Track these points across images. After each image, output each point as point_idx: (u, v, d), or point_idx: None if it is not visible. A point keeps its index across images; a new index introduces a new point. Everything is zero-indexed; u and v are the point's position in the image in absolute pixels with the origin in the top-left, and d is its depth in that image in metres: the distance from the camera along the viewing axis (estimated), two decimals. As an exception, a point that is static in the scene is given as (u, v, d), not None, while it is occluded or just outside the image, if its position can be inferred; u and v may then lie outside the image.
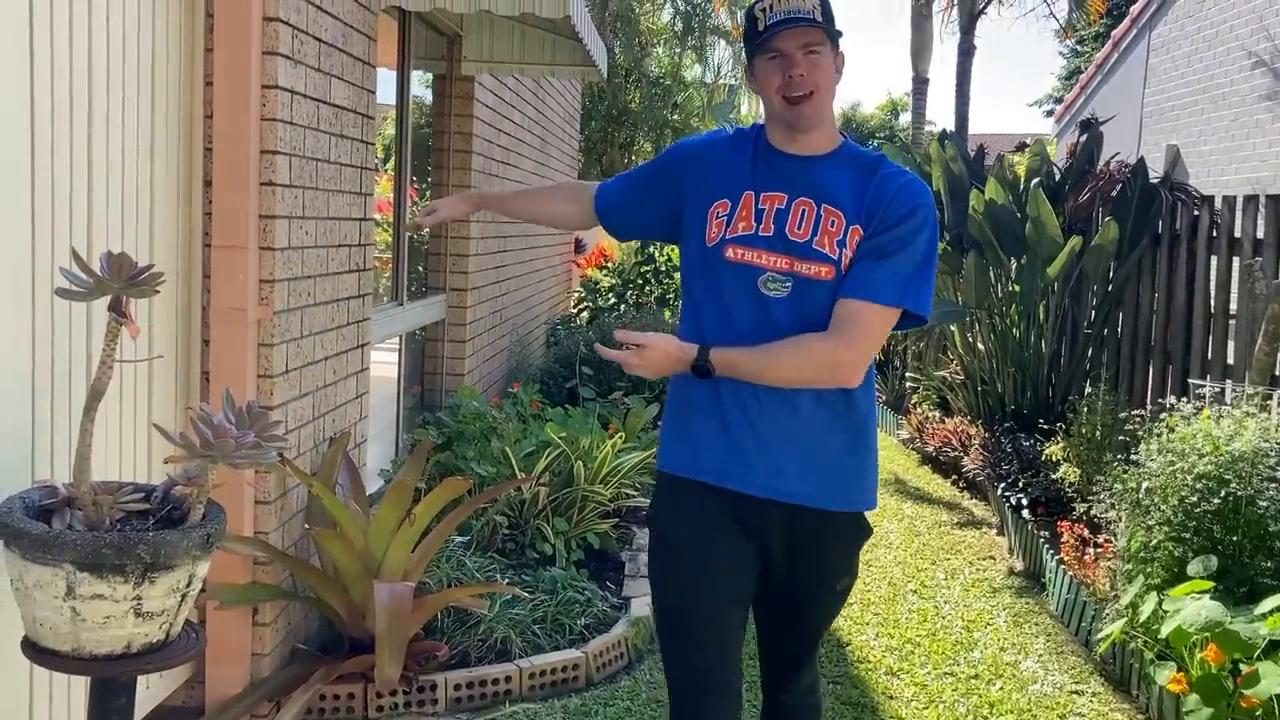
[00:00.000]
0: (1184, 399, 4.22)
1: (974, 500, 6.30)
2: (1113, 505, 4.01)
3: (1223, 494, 3.48)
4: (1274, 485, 3.45)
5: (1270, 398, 3.91)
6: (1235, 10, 9.35)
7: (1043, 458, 5.36)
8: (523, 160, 7.01)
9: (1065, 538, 4.46)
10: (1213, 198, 5.41)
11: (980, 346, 6.67)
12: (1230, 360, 4.97)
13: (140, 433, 2.79)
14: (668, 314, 8.52)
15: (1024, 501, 5.22)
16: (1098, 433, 4.98)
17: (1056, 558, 4.51)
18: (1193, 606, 3.19)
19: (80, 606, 1.84)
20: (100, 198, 2.56)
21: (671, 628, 2.27)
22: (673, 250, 10.25)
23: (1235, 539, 3.51)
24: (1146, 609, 3.48)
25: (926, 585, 4.78)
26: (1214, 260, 5.21)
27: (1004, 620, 4.38)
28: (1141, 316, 5.78)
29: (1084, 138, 6.58)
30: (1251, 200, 4.95)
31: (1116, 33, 12.26)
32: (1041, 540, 4.80)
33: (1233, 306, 4.98)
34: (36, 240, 2.31)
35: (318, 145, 3.34)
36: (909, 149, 8.90)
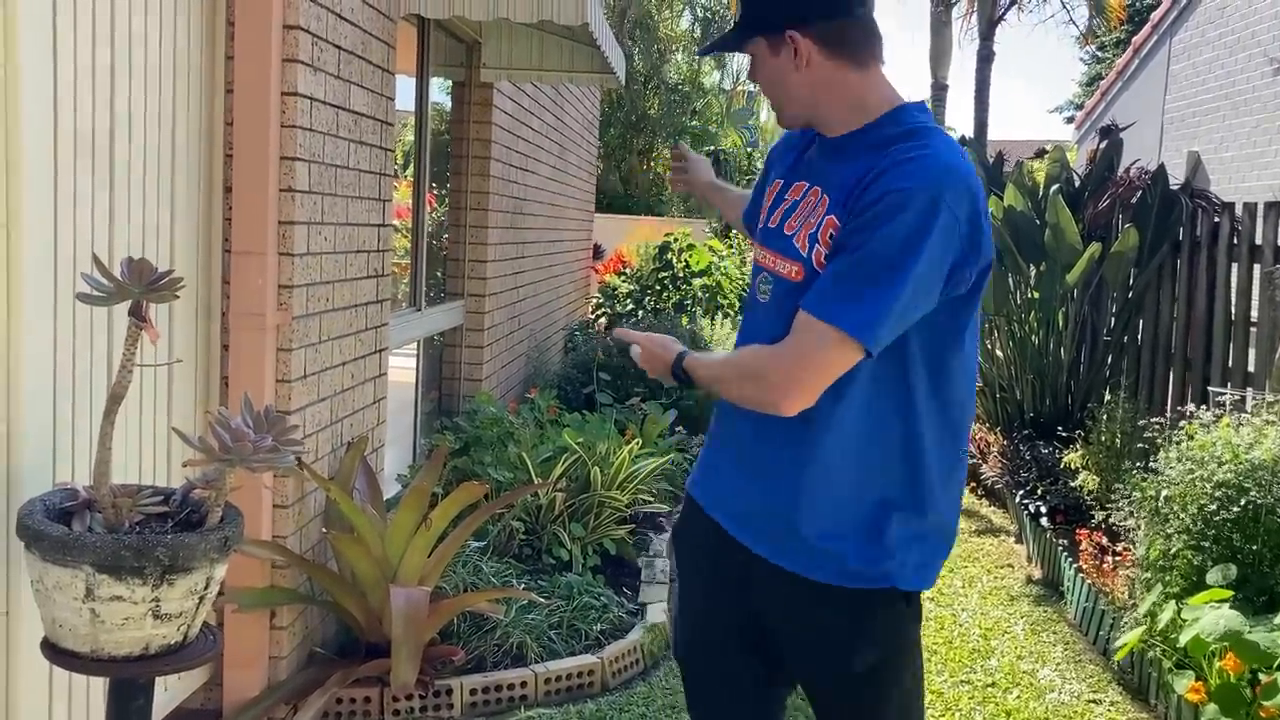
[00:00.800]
0: (1203, 406, 4.19)
1: (992, 508, 6.28)
2: (1131, 513, 3.99)
3: (1242, 502, 3.46)
4: (1294, 494, 3.43)
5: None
6: (1257, 16, 9.30)
7: (1061, 465, 5.33)
8: (540, 166, 7.03)
9: (1084, 546, 4.44)
10: (1233, 204, 5.38)
11: (999, 353, 6.64)
12: (1251, 368, 4.94)
13: (160, 436, 2.82)
14: (685, 320, 8.52)
15: (1042, 509, 5.19)
16: (1117, 440, 4.96)
17: (1075, 566, 4.48)
18: (1211, 615, 3.17)
19: (99, 608, 1.86)
20: (122, 203, 2.58)
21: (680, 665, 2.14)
22: (690, 257, 10.26)
23: (1255, 548, 3.49)
24: (1165, 617, 3.46)
25: (944, 592, 4.77)
26: (1235, 267, 5.18)
27: (1021, 628, 4.36)
28: (1162, 324, 5.74)
29: (1104, 144, 6.54)
30: (1272, 207, 4.92)
31: (1137, 39, 12.21)
32: (1060, 548, 4.77)
33: (1254, 314, 4.95)
34: (59, 245, 2.34)
35: (337, 151, 3.37)
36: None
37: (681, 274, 10.06)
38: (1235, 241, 5.20)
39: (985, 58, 14.73)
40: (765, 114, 20.96)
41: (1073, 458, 5.19)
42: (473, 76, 5.46)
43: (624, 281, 10.41)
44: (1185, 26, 10.88)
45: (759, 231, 1.98)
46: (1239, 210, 5.23)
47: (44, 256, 2.30)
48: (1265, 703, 2.92)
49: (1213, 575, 3.43)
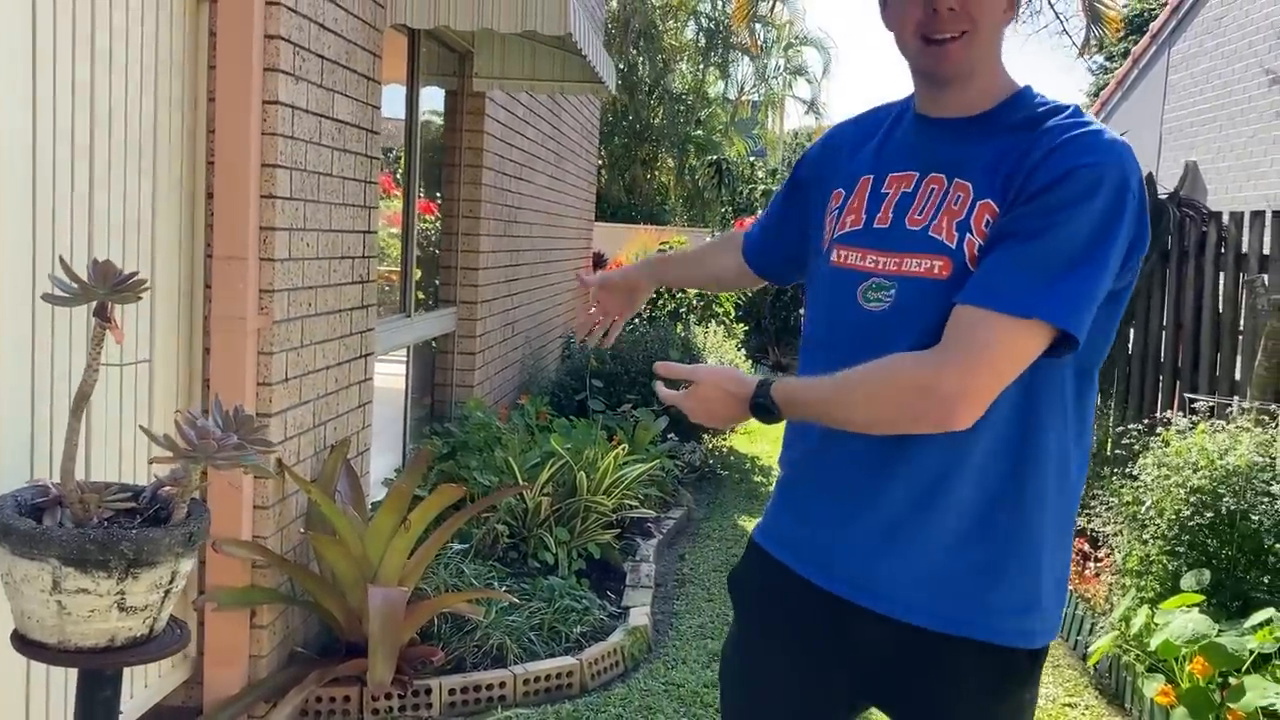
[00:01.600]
0: (1180, 413, 4.22)
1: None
2: (1112, 520, 4.01)
3: (1217, 508, 3.49)
4: (1267, 500, 3.45)
5: (1267, 413, 3.90)
6: (1254, 27, 9.33)
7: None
8: (536, 175, 7.09)
9: (1066, 552, 4.46)
10: (1220, 214, 5.41)
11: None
12: (1238, 376, 4.96)
13: (142, 437, 2.87)
14: (679, 328, 8.55)
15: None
16: (1105, 448, 4.98)
17: (1057, 572, 4.50)
18: (1181, 619, 3.20)
19: (65, 600, 1.91)
20: (102, 207, 2.64)
21: None
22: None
23: (1229, 553, 3.52)
24: (1138, 622, 3.48)
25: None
26: (1221, 276, 5.21)
27: (1004, 634, 4.38)
28: (1151, 332, 5.77)
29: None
30: (1258, 216, 4.95)
31: (1137, 50, 12.25)
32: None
33: (1241, 322, 4.98)
34: (37, 249, 2.40)
35: (320, 159, 3.42)
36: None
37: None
38: (1222, 250, 5.23)
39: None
40: (770, 124, 21.03)
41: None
42: (465, 86, 5.52)
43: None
44: (1183, 37, 10.92)
45: (848, 235, 1.63)
46: (1225, 219, 5.26)
47: (22, 260, 2.35)
48: (1232, 705, 2.95)
49: (1187, 580, 3.46)
